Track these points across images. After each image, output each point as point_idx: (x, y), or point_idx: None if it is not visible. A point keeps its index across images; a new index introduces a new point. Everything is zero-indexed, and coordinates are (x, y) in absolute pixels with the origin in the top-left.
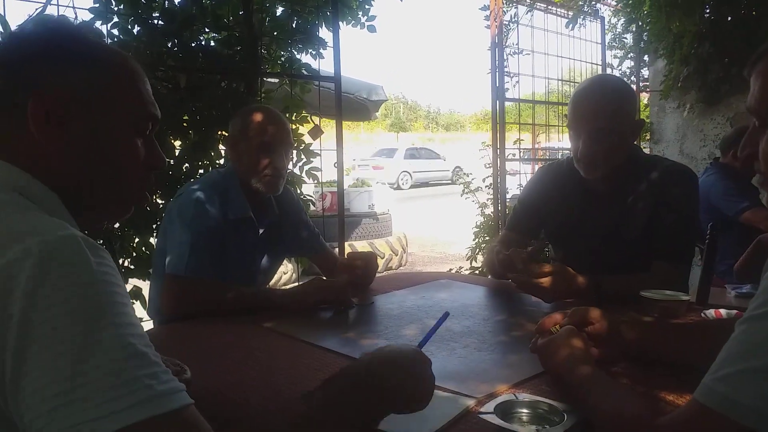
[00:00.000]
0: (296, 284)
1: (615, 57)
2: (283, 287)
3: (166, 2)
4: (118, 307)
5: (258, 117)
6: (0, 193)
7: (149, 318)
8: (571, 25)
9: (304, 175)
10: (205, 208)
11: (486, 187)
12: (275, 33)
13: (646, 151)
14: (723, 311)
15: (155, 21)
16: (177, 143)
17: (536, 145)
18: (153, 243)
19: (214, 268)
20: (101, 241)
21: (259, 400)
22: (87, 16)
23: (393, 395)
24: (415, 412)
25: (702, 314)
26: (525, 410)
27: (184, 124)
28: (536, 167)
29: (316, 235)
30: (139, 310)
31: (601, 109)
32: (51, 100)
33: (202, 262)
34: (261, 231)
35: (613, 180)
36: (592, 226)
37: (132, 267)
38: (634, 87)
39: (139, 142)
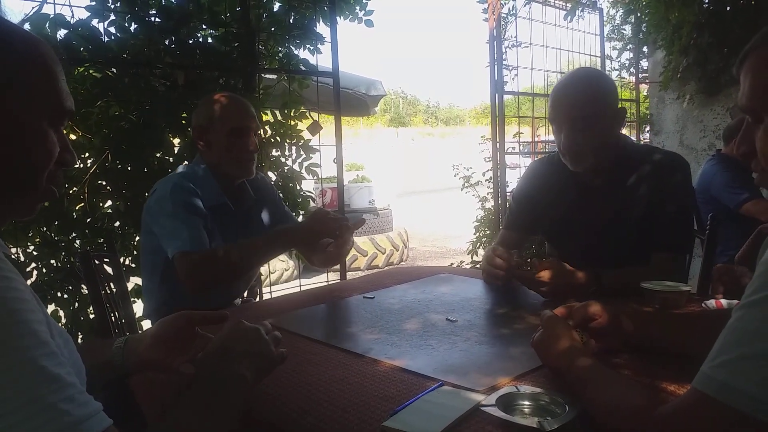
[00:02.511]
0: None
1: (614, 48)
2: (284, 284)
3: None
4: (23, 327)
5: (223, 103)
6: None
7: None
8: (569, 17)
9: (303, 171)
10: (183, 195)
11: (486, 180)
12: (272, 29)
13: (646, 142)
14: (724, 302)
15: (152, 18)
16: (176, 141)
17: (536, 138)
18: None
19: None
20: (102, 240)
21: (261, 395)
22: (84, 14)
23: (245, 370)
24: (268, 372)
25: (703, 305)
26: (527, 402)
27: (183, 122)
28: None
29: (294, 219)
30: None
31: (578, 98)
32: None
33: (202, 235)
34: (240, 217)
35: (605, 172)
36: (587, 220)
37: (133, 265)
38: (633, 78)
39: (53, 136)
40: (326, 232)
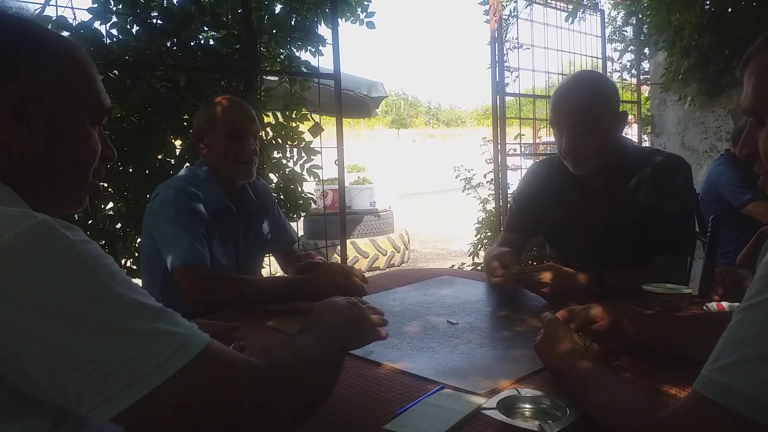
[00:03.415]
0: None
1: (615, 50)
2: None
3: (165, 1)
4: (118, 277)
5: (222, 105)
6: None
7: None
8: (570, 19)
9: (305, 173)
10: (187, 201)
11: (487, 182)
12: (274, 31)
13: (647, 144)
14: (725, 304)
15: (154, 20)
16: (177, 143)
17: (537, 140)
18: None
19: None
20: (103, 242)
21: None
22: (86, 17)
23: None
24: (360, 345)
25: (704, 307)
26: (528, 405)
27: (185, 124)
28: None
29: (289, 228)
30: None
31: (579, 103)
32: (14, 96)
33: (203, 246)
34: (242, 220)
35: (606, 174)
36: (588, 222)
37: (134, 267)
38: (634, 80)
39: (96, 135)
40: (343, 292)
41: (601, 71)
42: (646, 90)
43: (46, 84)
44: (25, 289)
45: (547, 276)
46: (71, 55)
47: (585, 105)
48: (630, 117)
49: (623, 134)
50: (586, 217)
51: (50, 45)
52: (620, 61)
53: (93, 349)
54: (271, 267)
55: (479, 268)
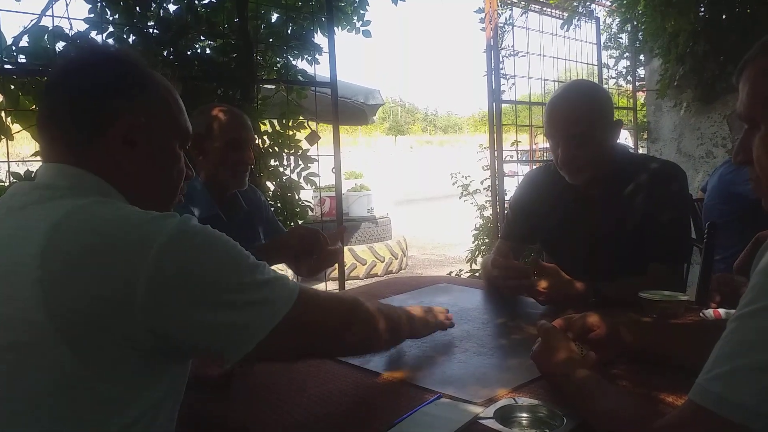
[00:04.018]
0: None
1: (611, 57)
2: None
3: (161, 11)
4: (238, 247)
5: (222, 115)
6: (100, 196)
7: None
8: (566, 26)
9: (302, 181)
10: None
11: (484, 189)
12: (270, 39)
13: (643, 150)
14: (722, 311)
15: (150, 30)
16: None
17: (534, 147)
18: None
19: None
20: None
21: (259, 408)
22: (82, 26)
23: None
24: (427, 331)
25: (701, 314)
26: (525, 414)
27: None
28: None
29: (283, 233)
30: None
31: (574, 114)
32: (126, 125)
33: None
34: (232, 228)
35: (601, 182)
36: (584, 229)
37: None
38: (630, 87)
39: (183, 156)
40: (303, 247)
41: (596, 78)
42: (641, 96)
43: (150, 114)
44: (198, 263)
45: (543, 282)
46: (167, 89)
47: (579, 116)
48: (624, 123)
49: (618, 140)
50: (581, 225)
51: (152, 80)
52: (616, 67)
53: (245, 297)
54: None
55: (477, 274)
